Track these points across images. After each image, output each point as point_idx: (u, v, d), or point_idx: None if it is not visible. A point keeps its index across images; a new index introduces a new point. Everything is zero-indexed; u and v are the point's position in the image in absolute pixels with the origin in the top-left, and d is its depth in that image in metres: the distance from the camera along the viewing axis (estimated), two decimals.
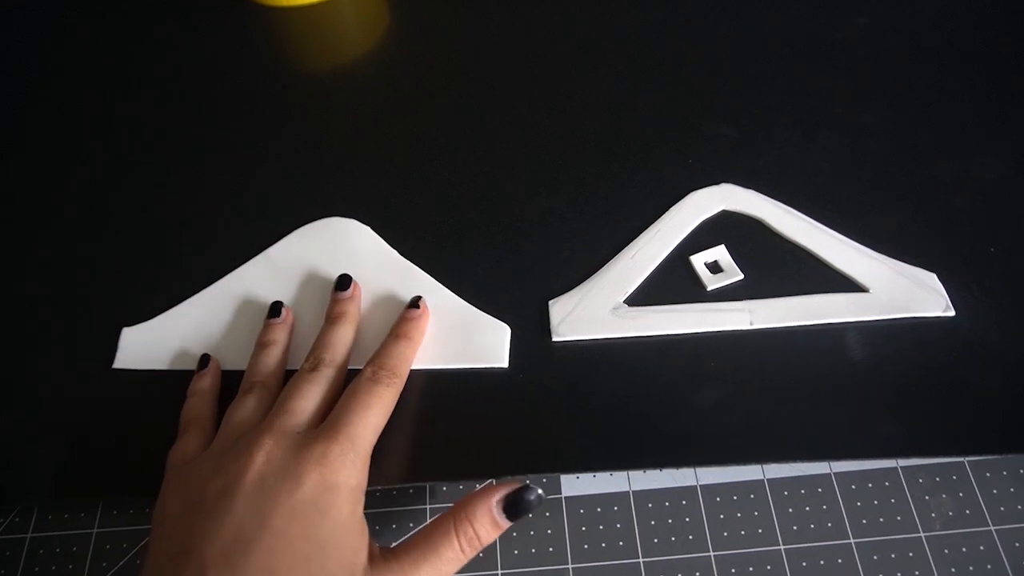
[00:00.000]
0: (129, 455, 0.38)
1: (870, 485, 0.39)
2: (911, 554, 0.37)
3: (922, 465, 0.39)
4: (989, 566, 0.36)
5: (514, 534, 0.38)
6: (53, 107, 0.55)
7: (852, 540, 0.37)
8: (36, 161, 0.52)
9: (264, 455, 0.32)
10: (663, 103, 0.53)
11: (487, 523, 0.33)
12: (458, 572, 0.33)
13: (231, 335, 0.42)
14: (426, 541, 0.32)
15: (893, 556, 0.37)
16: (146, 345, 0.42)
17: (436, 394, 0.40)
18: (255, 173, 0.50)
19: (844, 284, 0.43)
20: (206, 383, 0.39)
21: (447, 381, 0.40)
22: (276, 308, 0.41)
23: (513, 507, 0.33)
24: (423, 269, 0.44)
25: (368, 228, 0.46)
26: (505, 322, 0.42)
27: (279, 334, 0.40)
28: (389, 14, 0.62)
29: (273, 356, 0.39)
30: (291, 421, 0.34)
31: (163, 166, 0.51)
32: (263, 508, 0.31)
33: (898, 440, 0.38)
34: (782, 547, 0.37)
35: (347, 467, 0.32)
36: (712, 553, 0.37)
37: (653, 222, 0.46)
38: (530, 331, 0.42)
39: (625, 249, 0.45)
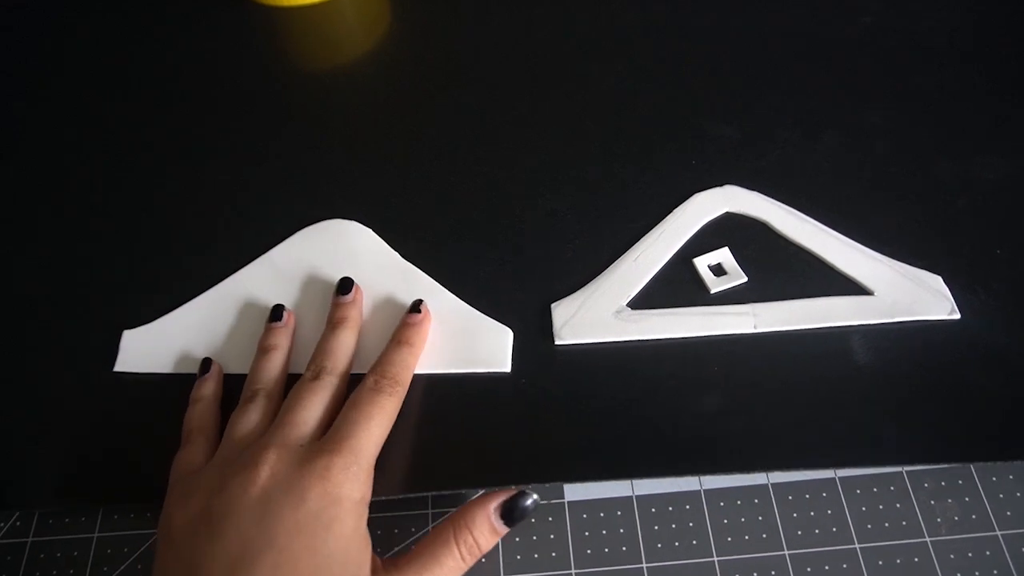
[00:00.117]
0: (130, 460, 0.38)
1: (875, 490, 0.38)
2: (916, 559, 0.36)
3: (928, 469, 0.39)
4: (995, 571, 0.36)
5: (517, 539, 0.37)
6: (53, 107, 0.55)
7: (857, 545, 0.37)
8: (36, 161, 0.52)
9: (268, 470, 0.32)
10: (665, 103, 0.53)
11: (486, 530, 0.34)
12: None
13: (233, 338, 0.42)
14: (427, 551, 0.33)
15: (898, 561, 0.36)
16: (147, 348, 0.42)
17: (438, 400, 0.40)
18: (256, 174, 0.50)
19: (848, 287, 0.43)
20: (208, 389, 0.39)
21: (449, 386, 0.40)
22: (277, 311, 0.41)
23: (510, 513, 0.34)
24: (425, 271, 0.44)
25: (369, 230, 0.46)
26: (507, 325, 0.42)
27: (280, 338, 0.40)
28: (390, 14, 0.62)
29: (275, 361, 0.39)
30: (294, 433, 0.34)
31: (163, 166, 0.51)
32: (268, 524, 0.31)
33: (903, 447, 0.37)
34: (786, 552, 0.37)
35: (350, 480, 0.32)
36: (716, 558, 0.37)
37: (656, 224, 0.46)
38: (532, 334, 0.42)
39: (628, 251, 0.45)
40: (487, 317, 0.42)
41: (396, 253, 0.45)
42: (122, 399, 0.40)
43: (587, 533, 0.37)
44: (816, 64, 0.55)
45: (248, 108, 0.54)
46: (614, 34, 0.58)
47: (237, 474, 0.32)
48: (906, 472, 0.39)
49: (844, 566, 0.36)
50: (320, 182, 0.49)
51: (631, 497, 0.38)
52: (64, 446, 0.39)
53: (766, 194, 0.47)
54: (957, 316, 0.42)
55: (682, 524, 0.38)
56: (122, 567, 0.37)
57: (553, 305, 0.43)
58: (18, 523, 0.38)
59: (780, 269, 0.44)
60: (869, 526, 0.37)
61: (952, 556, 0.36)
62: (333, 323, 0.40)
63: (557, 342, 0.41)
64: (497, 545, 0.37)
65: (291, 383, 0.39)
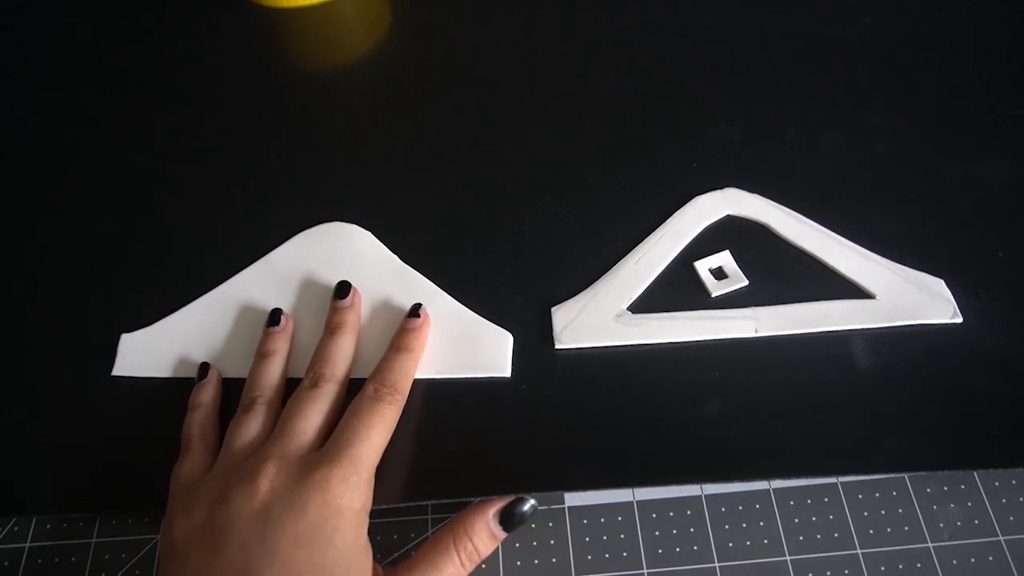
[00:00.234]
0: (129, 466, 0.38)
1: (877, 495, 0.38)
2: (919, 565, 0.36)
3: (930, 474, 0.39)
4: None
5: (517, 545, 0.37)
6: (53, 107, 0.55)
7: (859, 551, 0.37)
8: (34, 162, 0.51)
9: (268, 483, 0.32)
10: (665, 105, 0.53)
11: (485, 536, 0.34)
12: None
13: (231, 342, 0.42)
14: (427, 558, 0.33)
15: (901, 567, 0.36)
16: (145, 352, 0.42)
17: (437, 405, 0.39)
18: (255, 175, 0.50)
19: (850, 290, 0.43)
20: (207, 395, 0.39)
21: (449, 391, 0.40)
22: (275, 316, 0.41)
23: (509, 519, 0.35)
24: (424, 274, 0.44)
25: (369, 233, 0.46)
26: (507, 329, 0.42)
27: (279, 343, 0.40)
28: (390, 15, 0.61)
29: (273, 367, 0.39)
30: (294, 444, 0.34)
31: (162, 168, 0.51)
32: (269, 537, 0.31)
33: (905, 454, 0.37)
34: (788, 558, 0.37)
35: (350, 491, 0.32)
36: (717, 564, 0.37)
37: (657, 227, 0.46)
38: (532, 338, 0.41)
39: (629, 255, 0.44)
40: (487, 321, 0.42)
41: (395, 256, 0.45)
42: (120, 404, 0.40)
43: (587, 539, 0.37)
44: (817, 65, 0.55)
45: (248, 109, 0.54)
46: (614, 35, 0.58)
47: (237, 487, 0.32)
48: (908, 477, 0.39)
49: (846, 572, 0.36)
50: (320, 184, 0.49)
51: (632, 502, 0.38)
52: (62, 451, 0.39)
53: (767, 197, 0.47)
54: (959, 320, 0.41)
55: (683, 529, 0.37)
56: (120, 572, 0.37)
57: (553, 309, 0.42)
58: (16, 528, 0.38)
59: (781, 272, 0.44)
60: (871, 531, 0.37)
61: (955, 561, 0.36)
62: (331, 328, 0.40)
63: (557, 346, 0.41)
64: (497, 550, 0.37)
65: (290, 387, 0.39)
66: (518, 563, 0.37)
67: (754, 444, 0.38)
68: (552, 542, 0.37)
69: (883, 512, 0.38)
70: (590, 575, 0.36)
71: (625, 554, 0.37)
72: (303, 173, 0.50)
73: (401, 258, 0.45)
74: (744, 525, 0.38)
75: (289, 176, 0.50)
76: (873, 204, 0.47)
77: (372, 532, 0.33)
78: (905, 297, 0.42)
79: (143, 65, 0.57)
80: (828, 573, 0.36)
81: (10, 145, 0.53)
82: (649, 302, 0.43)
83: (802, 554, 0.37)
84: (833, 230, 0.45)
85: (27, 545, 0.38)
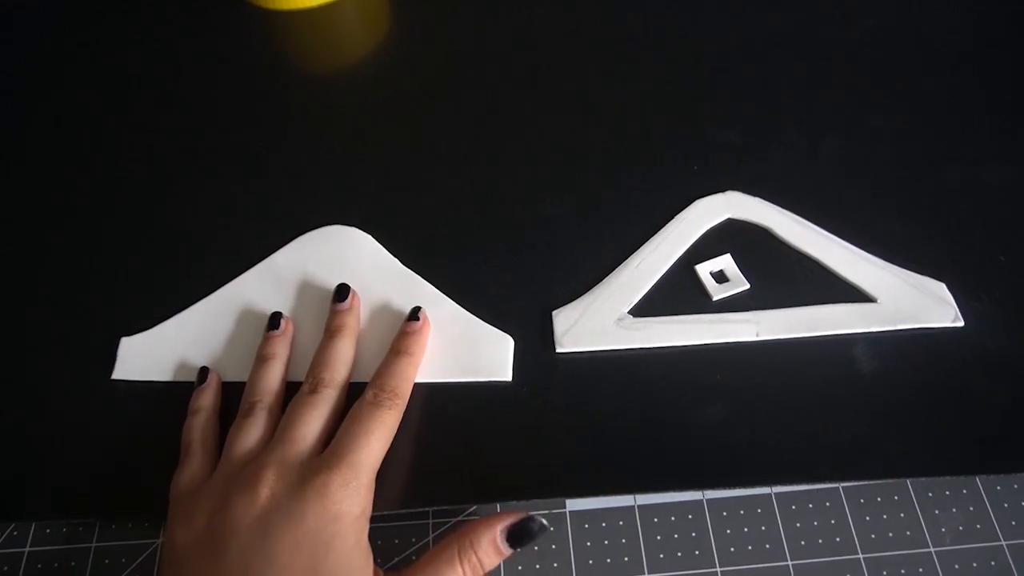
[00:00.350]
0: (129, 470, 0.38)
1: (879, 499, 0.38)
2: (921, 570, 0.36)
3: (932, 478, 0.39)
4: None
5: (518, 549, 0.37)
6: (52, 110, 0.54)
7: (861, 555, 0.37)
8: (35, 164, 0.51)
9: (268, 490, 0.32)
10: (666, 107, 0.53)
11: (491, 551, 0.33)
12: None
13: (232, 345, 0.42)
14: (430, 567, 0.33)
15: (903, 572, 0.36)
16: (145, 355, 0.42)
17: (438, 410, 0.39)
18: (256, 178, 0.50)
19: (852, 294, 0.43)
20: (206, 400, 0.38)
21: (449, 395, 0.40)
22: (275, 320, 0.41)
23: (517, 537, 0.34)
24: (424, 277, 0.44)
25: (369, 236, 0.46)
26: (507, 333, 0.42)
27: (279, 347, 0.40)
28: (390, 17, 0.61)
29: (273, 371, 0.39)
30: (294, 450, 0.34)
31: (163, 170, 0.50)
32: (268, 543, 0.31)
33: (908, 460, 0.37)
34: (790, 563, 0.36)
35: (349, 497, 0.32)
36: (719, 569, 0.36)
37: (658, 230, 0.46)
38: (533, 342, 0.41)
39: (630, 258, 0.44)
40: (488, 325, 0.42)
41: (396, 259, 0.45)
42: (120, 407, 0.40)
43: (589, 543, 0.37)
44: (818, 68, 0.55)
45: (248, 112, 0.54)
46: (616, 38, 0.58)
47: (237, 494, 0.32)
48: (910, 481, 0.39)
49: None
50: (320, 187, 0.49)
51: (633, 506, 0.38)
52: (61, 455, 0.39)
53: (768, 200, 0.47)
54: (961, 323, 0.41)
55: (684, 534, 0.37)
56: None
57: (554, 312, 0.42)
58: (15, 533, 0.38)
59: (783, 276, 0.43)
60: (873, 536, 0.37)
61: (957, 566, 0.36)
62: (331, 331, 0.40)
63: (558, 350, 0.41)
64: None
65: (290, 390, 0.39)
66: (519, 567, 0.37)
67: (755, 449, 0.37)
68: (553, 546, 0.37)
69: (885, 516, 0.38)
70: None
71: (626, 558, 0.37)
72: (304, 176, 0.50)
73: (402, 261, 0.45)
74: (746, 529, 0.37)
75: (290, 179, 0.50)
76: (874, 207, 0.47)
77: (373, 536, 0.33)
78: (906, 301, 0.42)
79: (143, 67, 0.57)
80: None
81: (10, 147, 0.52)
82: (650, 306, 0.43)
83: (804, 559, 0.37)
84: (834, 233, 0.45)
85: (27, 550, 0.38)
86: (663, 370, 0.40)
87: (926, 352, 0.41)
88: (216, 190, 0.49)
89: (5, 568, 0.37)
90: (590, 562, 0.37)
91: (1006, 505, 0.38)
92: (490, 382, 0.40)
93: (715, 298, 0.43)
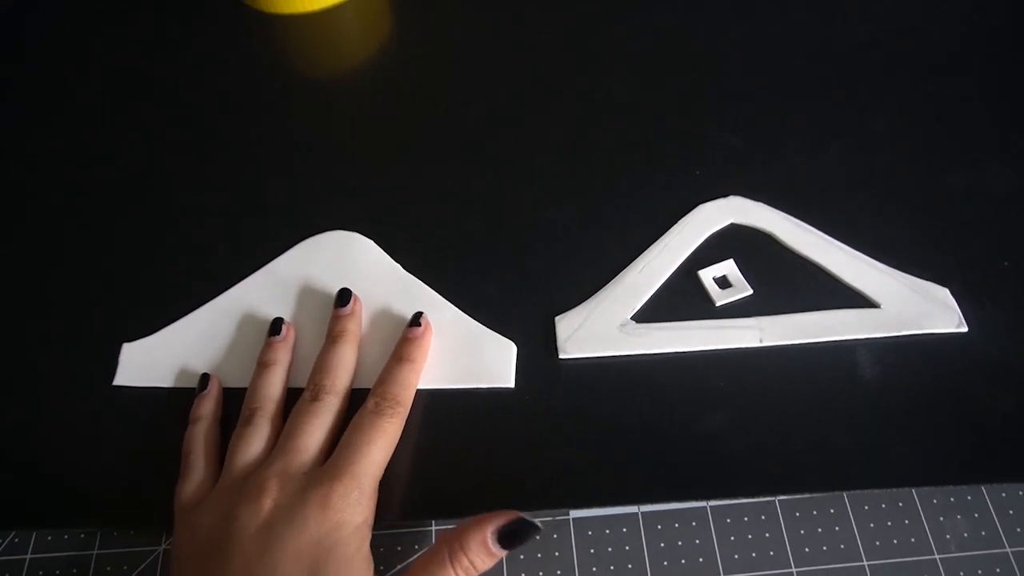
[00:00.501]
0: (130, 478, 0.38)
1: (883, 506, 0.38)
2: None
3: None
4: None
5: (521, 557, 0.37)
6: (54, 113, 0.54)
7: (865, 562, 0.36)
8: (36, 169, 0.51)
9: (271, 501, 0.33)
10: (669, 112, 0.53)
11: (483, 553, 0.33)
12: None
13: (234, 351, 0.42)
14: (423, 572, 0.32)
15: None
16: (147, 361, 0.41)
17: (440, 417, 0.39)
18: (258, 184, 0.50)
19: (855, 299, 0.43)
20: (207, 408, 0.38)
21: (452, 402, 0.40)
22: (276, 325, 0.41)
23: (508, 537, 0.33)
24: (426, 283, 0.44)
25: (371, 242, 0.46)
26: (510, 339, 0.41)
27: (280, 353, 0.40)
28: (391, 22, 0.61)
29: (274, 377, 0.39)
30: (296, 461, 0.34)
31: (165, 176, 0.50)
32: (271, 552, 0.31)
33: (911, 468, 0.37)
34: (794, 570, 0.36)
35: (351, 506, 0.32)
36: None
37: (660, 235, 0.45)
38: (536, 348, 0.41)
39: (632, 263, 0.44)
40: (490, 331, 0.42)
41: (398, 265, 0.45)
42: (121, 414, 0.40)
43: (592, 550, 0.37)
44: (821, 73, 0.55)
45: (250, 117, 0.54)
46: (618, 44, 0.57)
47: (241, 505, 0.33)
48: (914, 488, 0.38)
49: None
50: (322, 192, 0.49)
51: (637, 513, 0.38)
52: (62, 462, 0.38)
53: (771, 205, 0.46)
54: (964, 329, 0.41)
55: (688, 541, 0.37)
56: None
57: (557, 318, 0.42)
58: (16, 540, 0.38)
59: (786, 281, 0.43)
60: (877, 543, 0.37)
61: (962, 573, 0.36)
62: (332, 337, 0.40)
63: (561, 356, 0.41)
64: (501, 562, 0.37)
65: (291, 396, 0.38)
66: (522, 574, 0.37)
67: (758, 457, 0.37)
68: (557, 554, 0.37)
69: (889, 523, 0.37)
70: None
71: (630, 566, 0.37)
72: (306, 181, 0.50)
73: (404, 266, 0.45)
74: (750, 536, 0.37)
75: (291, 184, 0.49)
76: (877, 212, 0.46)
77: (375, 543, 0.33)
78: (910, 306, 0.42)
79: (145, 72, 0.57)
80: None
81: (13, 151, 0.52)
82: (653, 311, 0.43)
83: (808, 566, 0.36)
84: (837, 239, 0.45)
85: (28, 556, 0.37)
86: (666, 376, 0.40)
87: (930, 358, 0.40)
88: (218, 195, 0.49)
89: (7, 575, 0.37)
90: (593, 569, 0.37)
91: (1011, 512, 0.38)
92: (493, 388, 0.40)
93: (718, 304, 0.43)
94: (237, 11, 0.61)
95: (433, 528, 0.38)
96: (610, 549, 0.37)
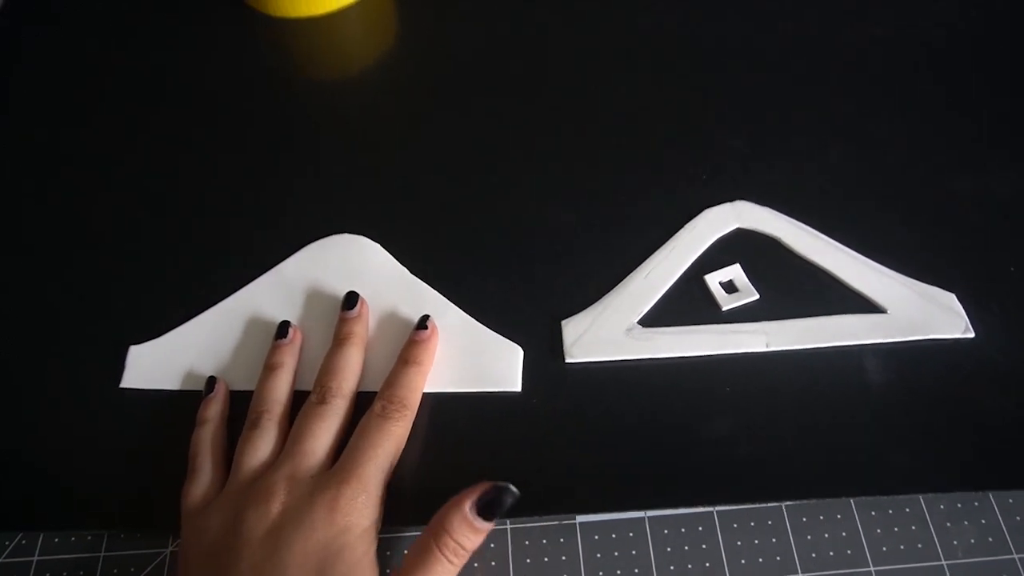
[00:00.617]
0: (137, 481, 0.38)
1: (891, 511, 0.38)
2: None
3: None
4: None
5: (528, 561, 0.37)
6: (57, 115, 0.54)
7: (872, 568, 0.36)
8: (40, 171, 0.51)
9: (279, 505, 0.33)
10: (675, 115, 0.53)
11: (466, 530, 0.32)
12: None
13: (240, 354, 0.42)
14: (415, 566, 0.32)
15: None
16: (154, 364, 0.42)
17: (446, 421, 0.39)
18: (265, 186, 0.50)
19: (861, 305, 0.42)
20: (214, 410, 0.38)
21: (458, 406, 0.40)
22: (283, 328, 0.41)
23: (488, 508, 0.32)
24: (433, 287, 0.44)
25: (378, 245, 0.46)
26: (516, 342, 0.41)
27: (286, 356, 0.40)
28: (397, 25, 0.61)
29: (281, 381, 0.39)
30: (304, 464, 0.34)
31: (172, 179, 0.50)
32: (279, 557, 0.31)
33: (917, 475, 0.37)
34: (800, 575, 0.36)
35: (358, 509, 0.33)
36: None
37: (667, 239, 0.45)
38: (542, 352, 0.41)
39: (639, 268, 0.44)
40: (497, 334, 0.42)
41: (404, 268, 0.45)
42: (128, 416, 0.40)
43: (599, 555, 0.37)
44: (826, 76, 0.55)
45: (256, 120, 0.54)
46: (623, 47, 0.57)
47: (249, 509, 0.33)
48: (921, 494, 0.38)
49: None
50: (328, 196, 0.49)
51: (643, 518, 0.38)
52: (69, 464, 0.39)
53: (777, 209, 0.46)
54: (971, 334, 0.41)
55: (695, 546, 0.37)
56: None
57: (563, 322, 0.42)
58: (23, 542, 0.38)
59: (792, 286, 0.43)
60: (884, 548, 0.37)
61: None
62: (339, 339, 0.40)
63: (567, 360, 0.41)
64: (507, 567, 0.37)
65: (298, 399, 0.39)
66: None
67: (765, 463, 0.37)
68: (563, 558, 0.37)
69: (896, 529, 0.37)
70: None
71: (636, 570, 0.37)
72: (312, 184, 0.50)
73: (410, 270, 0.45)
74: (756, 541, 0.37)
75: (298, 188, 0.50)
76: (884, 217, 0.46)
77: (382, 545, 0.34)
78: (916, 311, 0.42)
79: (150, 75, 0.57)
80: None
81: (13, 152, 0.52)
82: (660, 316, 0.43)
83: (815, 571, 0.36)
84: (843, 243, 0.45)
85: (35, 559, 0.38)
86: (672, 380, 0.40)
87: (936, 363, 0.40)
88: (225, 198, 0.49)
89: None
90: (600, 574, 0.37)
91: (1018, 518, 0.38)
92: (499, 392, 0.40)
93: (724, 308, 0.43)
94: (243, 15, 0.61)
95: None
96: (616, 553, 0.37)
